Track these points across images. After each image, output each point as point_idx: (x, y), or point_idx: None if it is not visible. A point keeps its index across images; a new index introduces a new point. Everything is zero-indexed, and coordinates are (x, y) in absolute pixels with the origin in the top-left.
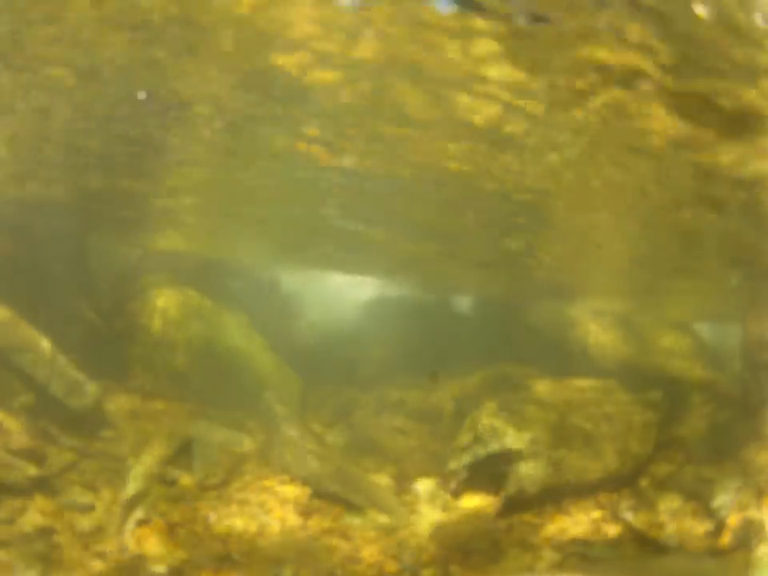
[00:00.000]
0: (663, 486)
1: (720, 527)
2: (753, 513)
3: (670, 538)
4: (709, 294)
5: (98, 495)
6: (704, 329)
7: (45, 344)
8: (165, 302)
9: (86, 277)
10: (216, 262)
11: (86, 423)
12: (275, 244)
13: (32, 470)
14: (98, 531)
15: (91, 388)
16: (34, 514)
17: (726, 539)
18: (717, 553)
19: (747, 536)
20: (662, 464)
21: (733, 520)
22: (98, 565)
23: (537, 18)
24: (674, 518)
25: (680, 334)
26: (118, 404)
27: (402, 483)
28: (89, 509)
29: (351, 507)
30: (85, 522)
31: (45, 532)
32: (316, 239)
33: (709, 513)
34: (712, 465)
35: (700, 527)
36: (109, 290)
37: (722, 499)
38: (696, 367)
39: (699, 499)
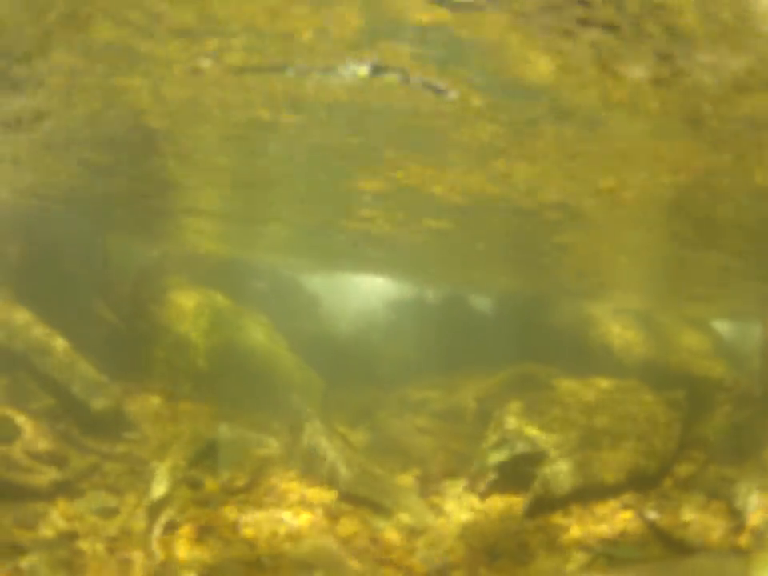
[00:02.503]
0: (687, 485)
1: (742, 526)
2: None
3: (694, 538)
4: (729, 292)
5: (121, 499)
6: (723, 327)
7: (64, 345)
8: (186, 303)
9: (106, 278)
10: (238, 262)
11: (108, 425)
12: (297, 245)
13: (54, 474)
14: (123, 536)
15: (112, 390)
16: (56, 519)
17: (749, 538)
18: (740, 552)
19: None
20: (685, 464)
21: (755, 519)
22: (124, 571)
23: None
24: (697, 518)
25: (700, 333)
26: (140, 406)
27: (428, 484)
28: (113, 513)
29: (379, 510)
30: (109, 527)
31: (68, 537)
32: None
33: (731, 512)
34: (734, 464)
35: (723, 527)
36: (129, 290)
37: (744, 498)
38: (717, 366)
39: (722, 499)
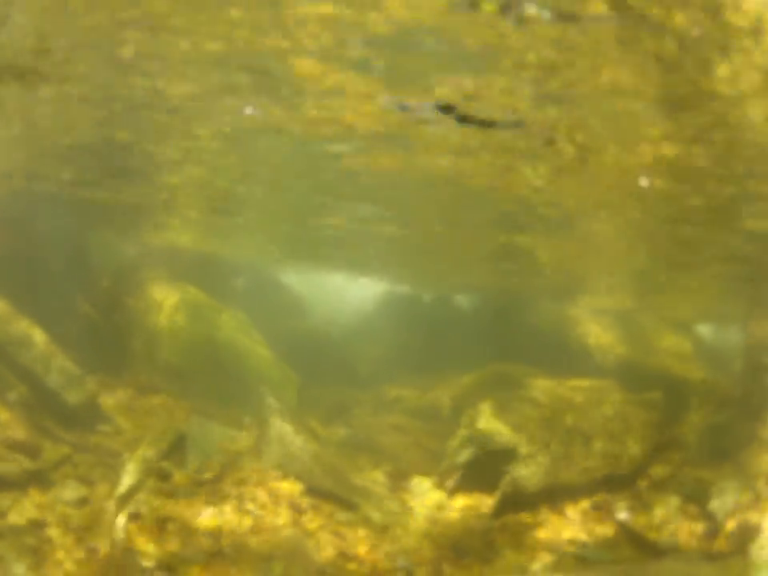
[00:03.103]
0: (661, 487)
1: (717, 530)
2: (751, 516)
3: (667, 540)
4: (710, 295)
5: (92, 489)
6: (705, 330)
7: (42, 337)
8: (163, 298)
9: (84, 271)
10: (215, 258)
11: (82, 417)
12: (274, 240)
13: (26, 463)
14: (92, 525)
15: (87, 382)
16: (27, 507)
17: (723, 542)
18: (714, 556)
19: (744, 539)
20: (660, 465)
21: (730, 523)
22: (87, 558)
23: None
24: (671, 520)
25: (680, 335)
26: (114, 398)
27: (398, 481)
28: (83, 503)
29: (345, 504)
30: (78, 516)
31: (37, 525)
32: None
33: (707, 515)
34: (710, 467)
35: (697, 530)
36: (107, 284)
37: (720, 502)
38: (696, 368)
39: (697, 501)
